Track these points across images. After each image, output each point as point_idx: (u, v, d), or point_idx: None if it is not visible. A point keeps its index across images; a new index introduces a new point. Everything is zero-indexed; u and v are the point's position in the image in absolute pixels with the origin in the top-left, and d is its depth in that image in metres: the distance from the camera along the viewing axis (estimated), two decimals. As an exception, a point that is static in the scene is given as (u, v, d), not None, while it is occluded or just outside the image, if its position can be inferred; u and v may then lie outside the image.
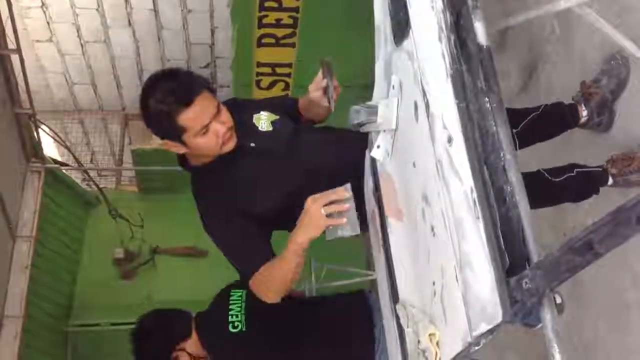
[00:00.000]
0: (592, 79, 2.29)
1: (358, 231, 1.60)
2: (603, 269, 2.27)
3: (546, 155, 2.39)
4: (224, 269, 2.02)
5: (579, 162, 2.15)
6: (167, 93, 1.72)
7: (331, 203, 1.60)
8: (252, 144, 1.88)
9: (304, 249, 1.69)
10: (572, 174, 2.05)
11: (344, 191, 1.59)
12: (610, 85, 2.24)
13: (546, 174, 2.02)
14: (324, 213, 1.60)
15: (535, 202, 1.95)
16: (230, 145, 1.82)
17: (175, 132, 1.75)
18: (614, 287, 2.30)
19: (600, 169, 2.16)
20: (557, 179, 2.04)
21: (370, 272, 3.92)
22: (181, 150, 1.82)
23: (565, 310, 2.42)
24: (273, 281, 1.79)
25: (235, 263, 1.90)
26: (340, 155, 1.89)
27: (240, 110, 1.94)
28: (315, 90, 1.90)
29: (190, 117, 1.71)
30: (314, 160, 1.88)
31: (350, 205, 1.59)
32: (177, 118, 1.71)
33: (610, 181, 2.15)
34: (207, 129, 1.74)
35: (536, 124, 2.16)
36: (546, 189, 2.02)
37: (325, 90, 1.87)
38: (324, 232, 1.65)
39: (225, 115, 1.79)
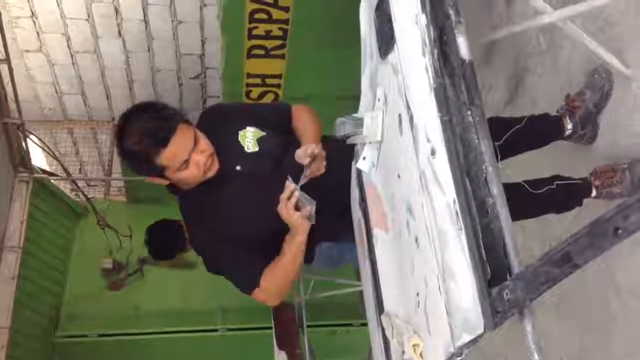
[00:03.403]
0: (576, 92, 2.31)
1: (313, 202, 1.76)
2: (587, 281, 2.29)
3: (530, 166, 2.41)
4: (211, 279, 2.03)
5: (563, 174, 2.17)
6: (142, 134, 1.69)
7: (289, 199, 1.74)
8: (238, 167, 1.86)
9: (302, 242, 1.79)
10: (555, 186, 2.07)
11: (289, 185, 1.73)
12: (594, 99, 2.26)
13: (530, 186, 2.04)
14: (293, 211, 1.72)
15: (519, 213, 1.97)
16: (213, 171, 1.81)
17: (155, 171, 1.75)
18: (598, 298, 2.31)
19: (583, 181, 2.19)
20: (541, 191, 2.06)
21: (360, 282, 3.91)
22: (164, 183, 1.82)
23: (550, 323, 2.43)
24: (278, 278, 1.82)
25: (235, 283, 1.90)
26: (327, 170, 1.85)
27: (226, 121, 1.93)
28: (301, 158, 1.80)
29: (169, 156, 1.70)
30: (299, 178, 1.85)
31: (299, 193, 1.74)
32: (155, 158, 1.70)
33: (594, 193, 2.18)
34: (187, 163, 1.74)
35: (521, 135, 2.17)
36: (530, 200, 2.04)
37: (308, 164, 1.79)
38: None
39: (204, 143, 1.77)
